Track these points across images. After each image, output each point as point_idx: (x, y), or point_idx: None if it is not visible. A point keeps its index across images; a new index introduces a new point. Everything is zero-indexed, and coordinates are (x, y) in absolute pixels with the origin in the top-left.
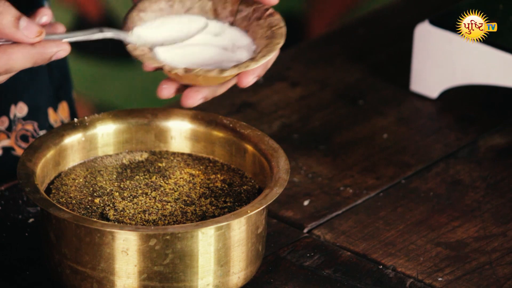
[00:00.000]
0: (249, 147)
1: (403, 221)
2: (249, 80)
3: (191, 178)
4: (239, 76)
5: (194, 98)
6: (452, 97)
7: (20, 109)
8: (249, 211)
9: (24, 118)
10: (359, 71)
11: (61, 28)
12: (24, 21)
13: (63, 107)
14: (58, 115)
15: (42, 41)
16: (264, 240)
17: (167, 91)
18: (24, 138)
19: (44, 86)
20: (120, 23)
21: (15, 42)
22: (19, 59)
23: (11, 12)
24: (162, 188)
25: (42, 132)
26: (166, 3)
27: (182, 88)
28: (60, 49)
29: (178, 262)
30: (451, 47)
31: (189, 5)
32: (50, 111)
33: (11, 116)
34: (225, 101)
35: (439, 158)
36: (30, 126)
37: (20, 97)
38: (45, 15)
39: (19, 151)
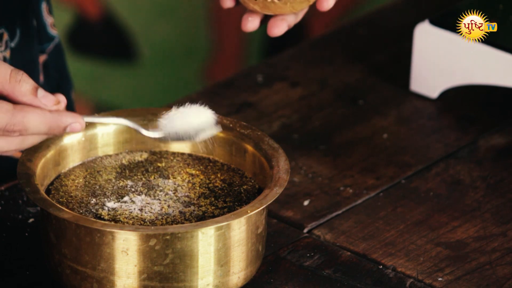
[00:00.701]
0: (249, 147)
1: (403, 221)
2: (330, 3)
3: (191, 178)
4: (320, 0)
5: (280, 27)
6: (452, 97)
7: None
8: (249, 211)
9: None
10: (359, 71)
11: None
12: (42, 91)
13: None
14: None
15: (60, 110)
16: (264, 240)
17: (251, 23)
18: None
19: (38, 85)
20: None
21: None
22: (35, 121)
23: (30, 81)
24: (162, 188)
25: None
26: None
27: (265, 20)
28: (75, 122)
29: (178, 262)
30: (451, 47)
31: None
32: None
33: None
34: (225, 101)
35: (439, 158)
36: None
37: None
38: (62, 101)
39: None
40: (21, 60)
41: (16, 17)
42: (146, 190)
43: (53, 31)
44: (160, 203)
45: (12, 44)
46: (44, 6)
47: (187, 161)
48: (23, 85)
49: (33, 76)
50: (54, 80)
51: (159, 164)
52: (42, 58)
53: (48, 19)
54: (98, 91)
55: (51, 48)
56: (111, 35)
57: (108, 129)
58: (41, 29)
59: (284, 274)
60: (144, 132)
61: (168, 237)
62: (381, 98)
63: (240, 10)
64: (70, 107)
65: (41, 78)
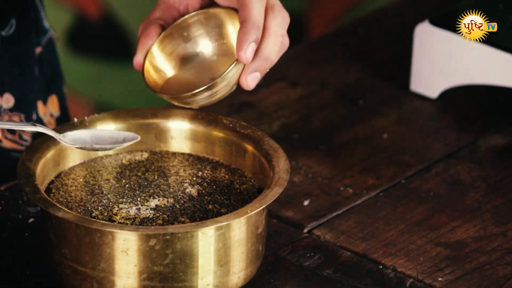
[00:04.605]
0: (249, 147)
1: (403, 221)
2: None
3: (191, 178)
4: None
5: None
6: (452, 97)
7: (6, 100)
8: (249, 211)
9: (11, 110)
10: (359, 71)
11: None
12: None
13: (53, 101)
14: (48, 108)
15: None
16: (264, 240)
17: None
18: (11, 129)
19: (32, 78)
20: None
21: None
22: None
23: None
24: (161, 188)
25: None
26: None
27: None
28: None
29: (178, 262)
30: (451, 47)
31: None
32: (40, 104)
33: None
34: (225, 101)
35: (439, 158)
36: (16, 118)
37: (7, 88)
38: None
39: (6, 143)
40: (14, 50)
41: (11, 7)
42: (146, 190)
43: (47, 24)
44: (160, 203)
45: (3, 33)
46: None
47: (187, 161)
48: None
49: (28, 68)
50: (48, 73)
51: (159, 164)
52: (38, 50)
53: (42, 12)
54: (98, 91)
55: (45, 41)
56: (111, 35)
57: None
58: (38, 21)
59: (284, 274)
60: (63, 141)
61: (168, 237)
62: (381, 98)
63: None
64: (62, 101)
65: (36, 70)
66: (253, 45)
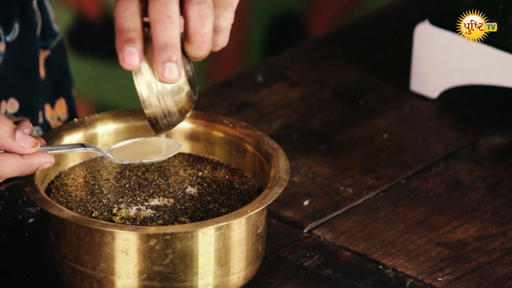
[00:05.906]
0: (249, 147)
1: (403, 221)
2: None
3: (191, 178)
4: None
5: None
6: (452, 97)
7: (11, 105)
8: (249, 211)
9: (16, 114)
10: (359, 71)
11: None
12: (20, 133)
13: (61, 104)
14: (55, 111)
15: (32, 154)
16: (264, 240)
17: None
18: None
19: (36, 83)
20: None
21: (6, 151)
22: (8, 167)
23: (8, 123)
24: (161, 188)
25: (34, 129)
26: None
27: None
28: (47, 161)
29: (178, 262)
30: (451, 47)
31: None
32: (47, 107)
33: (2, 112)
34: (225, 101)
35: (439, 158)
36: None
37: (11, 93)
38: (26, 127)
39: None
40: (18, 55)
41: (14, 13)
42: (146, 190)
43: (56, 27)
44: (160, 203)
45: (8, 38)
46: (47, 2)
47: (187, 161)
48: (1, 128)
49: (32, 72)
50: (56, 76)
51: (159, 164)
52: (45, 54)
53: (52, 15)
54: (98, 91)
55: (54, 44)
56: (111, 35)
57: (108, 129)
58: (46, 25)
59: (284, 274)
60: (111, 158)
61: (168, 237)
62: (381, 98)
63: (239, 9)
64: (71, 105)
65: (42, 73)
66: (129, 48)
